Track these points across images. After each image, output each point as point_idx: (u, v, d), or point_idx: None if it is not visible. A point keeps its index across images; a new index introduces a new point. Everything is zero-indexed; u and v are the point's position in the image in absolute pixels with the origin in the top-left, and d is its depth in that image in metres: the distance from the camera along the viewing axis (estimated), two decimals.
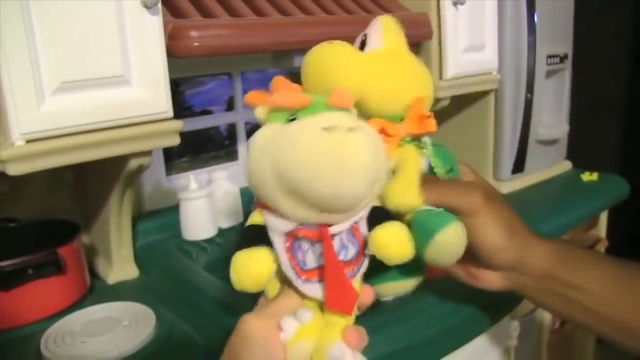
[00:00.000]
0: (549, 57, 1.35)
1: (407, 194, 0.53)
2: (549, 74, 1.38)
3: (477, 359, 0.93)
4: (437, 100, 1.17)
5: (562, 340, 1.36)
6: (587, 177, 1.40)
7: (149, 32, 0.76)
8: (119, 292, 0.91)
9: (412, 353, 0.73)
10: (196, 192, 1.05)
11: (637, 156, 2.02)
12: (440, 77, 1.17)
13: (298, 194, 0.46)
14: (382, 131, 0.55)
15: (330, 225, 0.48)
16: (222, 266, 0.99)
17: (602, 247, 1.39)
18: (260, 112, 0.51)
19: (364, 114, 0.56)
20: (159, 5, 0.76)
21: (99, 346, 0.72)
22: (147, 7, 0.74)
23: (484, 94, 1.30)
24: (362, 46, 0.61)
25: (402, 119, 0.57)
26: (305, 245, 0.50)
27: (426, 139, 0.60)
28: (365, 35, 0.61)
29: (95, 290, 0.92)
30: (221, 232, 1.10)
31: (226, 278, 0.89)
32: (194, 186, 1.05)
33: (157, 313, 0.80)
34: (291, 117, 0.48)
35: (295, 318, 0.49)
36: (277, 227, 0.49)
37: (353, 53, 0.59)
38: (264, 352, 0.47)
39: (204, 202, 1.06)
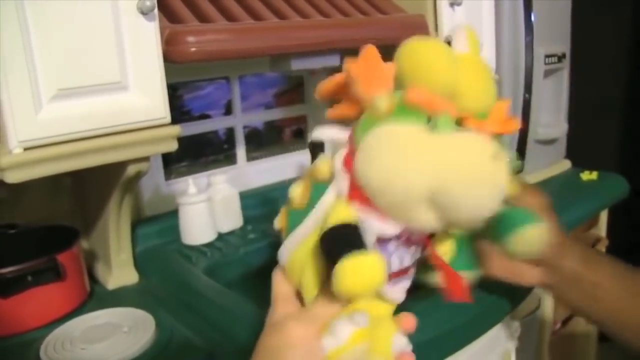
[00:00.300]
0: (547, 56, 1.35)
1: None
2: (547, 74, 1.38)
3: (479, 359, 0.93)
4: None
5: (563, 341, 1.36)
6: (587, 176, 1.40)
7: (146, 38, 0.76)
8: (119, 297, 0.91)
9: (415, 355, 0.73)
10: (195, 196, 1.05)
11: (636, 154, 2.02)
12: None
13: (451, 213, 0.45)
14: (475, 127, 0.56)
15: None
16: (221, 270, 1.00)
17: (602, 246, 1.39)
18: (383, 102, 0.47)
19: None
20: (156, 11, 0.76)
21: (99, 352, 0.72)
22: (143, 13, 0.74)
23: None
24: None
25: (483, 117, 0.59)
26: (391, 248, 0.50)
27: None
28: (449, 39, 0.61)
29: (95, 296, 0.92)
30: (221, 236, 1.10)
31: (226, 282, 0.90)
32: (192, 190, 1.05)
33: (157, 318, 0.80)
34: (431, 124, 0.46)
35: (352, 322, 0.48)
36: (382, 231, 0.47)
37: (451, 52, 0.59)
38: (306, 358, 0.47)
39: (203, 207, 1.06)
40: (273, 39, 0.90)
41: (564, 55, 1.41)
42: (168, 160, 1.17)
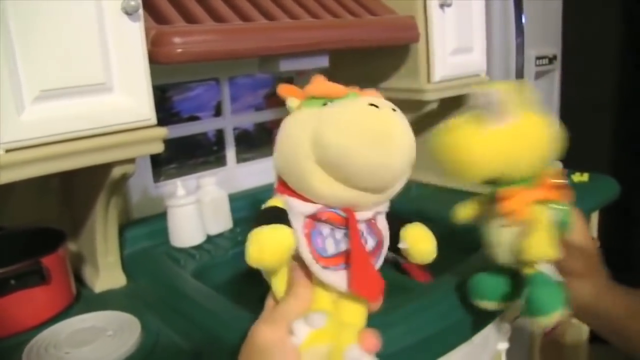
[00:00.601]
0: (538, 58, 1.35)
1: (547, 249, 0.60)
2: (538, 75, 1.38)
3: None
4: (425, 103, 1.17)
5: (554, 343, 1.35)
6: (578, 177, 1.39)
7: (130, 38, 0.75)
8: (106, 300, 0.90)
9: (401, 358, 0.73)
10: (184, 198, 1.04)
11: (627, 156, 2.02)
12: (428, 80, 1.16)
13: (341, 165, 0.47)
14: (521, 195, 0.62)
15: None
16: (210, 273, 0.99)
17: None
18: (293, 102, 0.53)
19: (499, 182, 0.63)
20: (140, 11, 0.75)
21: (83, 356, 0.71)
22: (127, 13, 0.73)
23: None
24: (487, 113, 0.61)
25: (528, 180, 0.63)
26: (325, 231, 0.50)
27: None
28: (488, 104, 0.61)
29: (81, 299, 0.91)
30: (210, 238, 1.09)
31: (215, 284, 0.90)
32: (181, 193, 1.05)
33: (143, 321, 0.79)
34: (326, 103, 0.50)
35: (307, 323, 0.48)
36: (301, 209, 0.50)
37: (482, 135, 0.61)
38: (281, 358, 0.47)
39: (192, 209, 1.05)
40: (261, 40, 0.89)
41: (554, 57, 1.42)
42: (157, 162, 1.16)
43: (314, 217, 0.50)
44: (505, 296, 0.71)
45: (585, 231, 0.76)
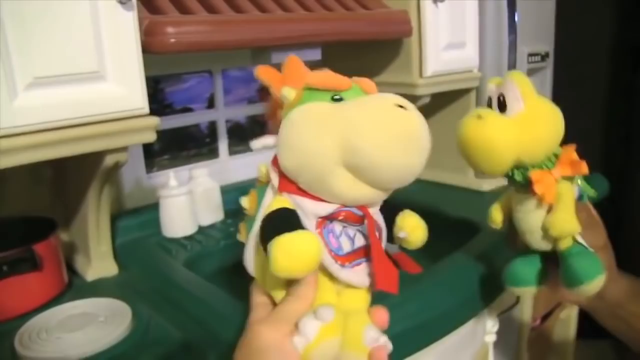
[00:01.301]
0: (530, 55, 1.36)
1: (569, 224, 0.62)
2: (530, 73, 1.39)
3: (455, 353, 0.93)
4: (417, 97, 1.18)
5: (542, 337, 1.36)
6: None
7: (124, 27, 0.76)
8: (98, 288, 0.91)
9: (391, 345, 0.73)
10: (176, 189, 1.05)
11: (618, 154, 2.04)
12: (421, 75, 1.17)
13: (374, 169, 0.46)
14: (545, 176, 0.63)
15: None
16: (201, 263, 1.00)
17: None
18: (290, 92, 0.52)
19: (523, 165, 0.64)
20: (134, 1, 0.76)
21: (74, 342, 0.72)
22: (121, 2, 0.74)
23: (465, 92, 1.30)
24: (501, 104, 0.63)
25: (552, 161, 0.64)
26: (338, 229, 0.50)
27: None
28: (502, 96, 0.62)
29: (73, 287, 0.92)
30: (201, 229, 1.10)
31: (205, 274, 0.90)
32: (173, 183, 1.05)
33: (135, 309, 0.80)
34: (337, 97, 0.49)
35: (317, 317, 0.48)
36: (317, 211, 0.49)
37: (504, 123, 0.62)
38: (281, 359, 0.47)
39: (184, 200, 1.06)
40: (254, 32, 0.90)
41: (547, 55, 1.42)
42: (150, 153, 1.17)
43: (327, 217, 0.49)
44: (540, 280, 0.73)
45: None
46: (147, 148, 1.15)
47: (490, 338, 1.02)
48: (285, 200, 0.49)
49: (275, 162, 0.51)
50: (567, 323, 1.42)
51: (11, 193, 0.98)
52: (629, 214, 2.00)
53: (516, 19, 1.30)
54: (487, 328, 1.01)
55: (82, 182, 0.89)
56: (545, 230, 0.64)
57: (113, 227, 0.99)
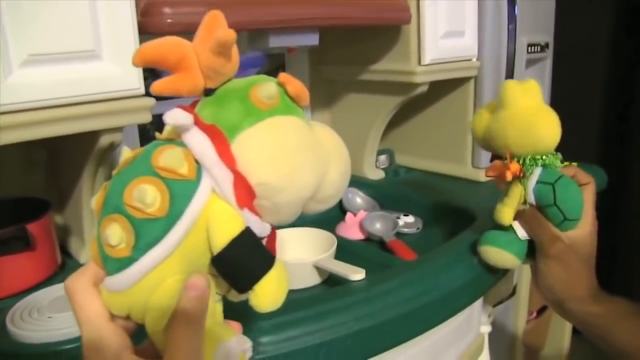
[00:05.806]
0: (530, 45, 1.35)
1: (506, 216, 0.77)
2: (530, 63, 1.38)
3: (450, 343, 0.93)
4: (415, 85, 1.17)
5: (538, 330, 1.37)
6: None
7: (120, 7, 0.75)
8: None
9: (379, 333, 0.73)
10: None
11: (616, 146, 2.04)
12: (419, 62, 1.17)
13: (323, 199, 0.47)
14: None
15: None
16: None
17: None
18: (270, 91, 0.45)
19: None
20: None
21: (66, 321, 0.71)
22: None
23: (463, 80, 1.30)
24: None
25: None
26: None
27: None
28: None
29: (67, 269, 0.92)
30: None
31: None
32: None
33: None
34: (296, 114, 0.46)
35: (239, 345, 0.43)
36: (264, 232, 0.44)
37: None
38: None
39: None
40: (250, 14, 0.89)
41: (547, 45, 1.42)
42: (146, 139, 1.16)
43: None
44: (513, 251, 0.78)
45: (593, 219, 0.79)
46: (143, 133, 1.14)
47: (486, 329, 1.02)
48: (239, 218, 0.42)
49: (229, 160, 0.42)
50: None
51: (6, 176, 0.98)
52: (627, 205, 2.01)
53: (516, 8, 1.29)
54: (482, 319, 1.01)
55: (77, 163, 0.88)
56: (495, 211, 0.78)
57: None
